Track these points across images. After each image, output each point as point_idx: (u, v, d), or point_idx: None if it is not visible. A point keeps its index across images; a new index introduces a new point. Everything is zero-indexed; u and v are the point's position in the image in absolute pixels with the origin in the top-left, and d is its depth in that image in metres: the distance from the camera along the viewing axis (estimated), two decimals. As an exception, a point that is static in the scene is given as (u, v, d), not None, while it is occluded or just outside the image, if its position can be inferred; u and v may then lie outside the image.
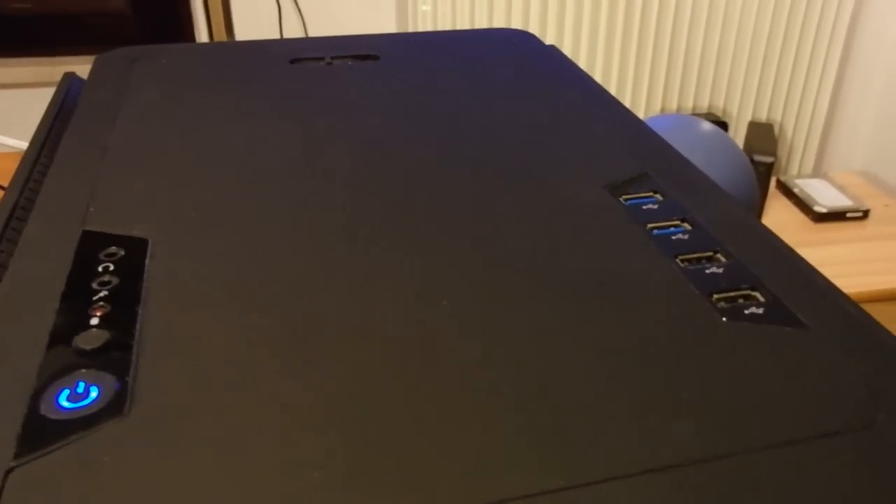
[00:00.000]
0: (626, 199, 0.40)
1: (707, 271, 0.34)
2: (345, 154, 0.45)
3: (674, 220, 0.38)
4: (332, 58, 0.59)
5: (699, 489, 0.24)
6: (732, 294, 0.33)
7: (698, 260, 0.35)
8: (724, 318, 0.31)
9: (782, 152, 1.80)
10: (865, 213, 1.54)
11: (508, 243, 0.36)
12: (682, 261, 0.35)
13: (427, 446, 0.25)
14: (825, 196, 1.58)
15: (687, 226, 0.37)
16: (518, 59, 0.60)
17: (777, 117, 1.77)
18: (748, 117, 1.76)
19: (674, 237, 0.36)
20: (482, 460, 0.25)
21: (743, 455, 0.25)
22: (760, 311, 0.32)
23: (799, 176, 1.70)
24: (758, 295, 0.33)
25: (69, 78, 0.59)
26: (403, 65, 0.58)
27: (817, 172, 1.83)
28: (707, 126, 0.92)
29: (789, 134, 1.79)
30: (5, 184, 0.81)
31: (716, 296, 0.33)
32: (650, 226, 0.37)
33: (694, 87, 1.74)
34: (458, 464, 0.25)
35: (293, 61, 0.59)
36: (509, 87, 0.55)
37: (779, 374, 0.28)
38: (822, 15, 1.67)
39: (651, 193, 0.40)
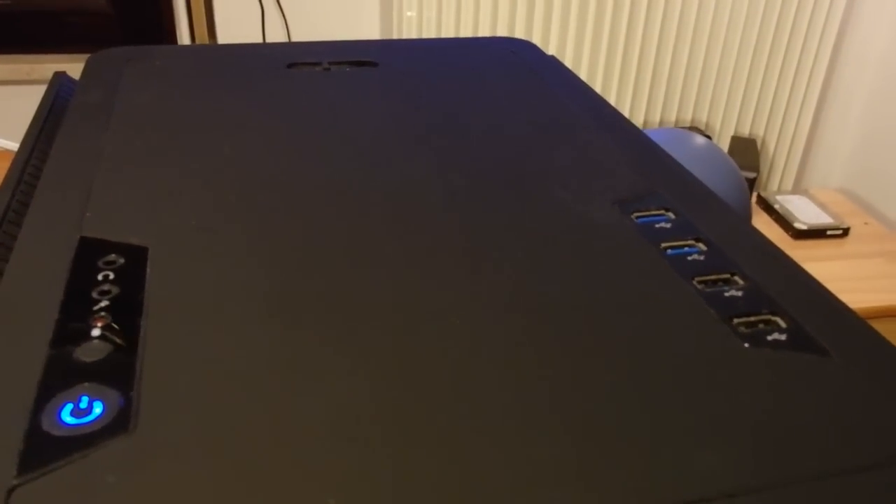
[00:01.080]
0: (637, 217, 0.39)
1: (725, 294, 0.33)
2: (344, 164, 0.44)
3: (688, 240, 0.37)
4: (330, 63, 0.58)
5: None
6: (753, 319, 0.32)
7: (715, 282, 0.34)
8: (745, 345, 0.30)
9: (763, 167, 1.81)
10: (846, 231, 1.54)
11: (519, 261, 0.35)
12: (699, 282, 0.34)
13: (444, 473, 0.24)
14: (806, 213, 1.58)
15: (702, 246, 0.37)
16: (520, 68, 0.59)
17: (760, 132, 1.77)
18: (731, 132, 1.76)
19: (689, 258, 0.36)
20: (503, 491, 0.24)
21: (773, 489, 0.24)
22: (783, 337, 0.31)
23: (779, 192, 1.70)
24: (779, 320, 0.32)
25: (59, 77, 0.57)
26: (402, 72, 0.57)
27: (797, 188, 1.84)
28: (700, 140, 0.91)
29: (771, 149, 1.79)
30: None
31: (736, 320, 0.32)
32: (664, 245, 0.37)
33: (678, 100, 1.74)
34: (479, 494, 0.24)
35: (290, 66, 0.57)
36: (511, 98, 0.54)
37: (807, 405, 0.28)
38: (807, 32, 1.68)
39: (662, 211, 0.40)
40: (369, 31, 1.72)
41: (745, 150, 1.71)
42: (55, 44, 2.03)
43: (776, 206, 1.60)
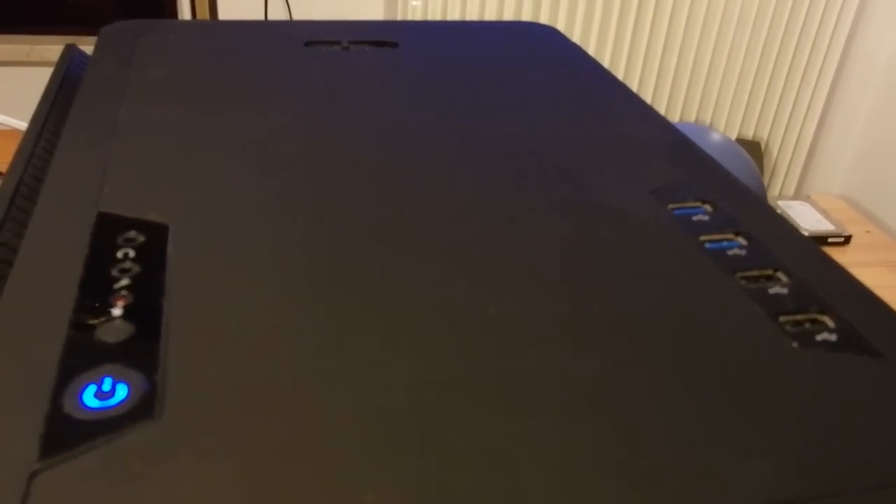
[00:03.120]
0: (673, 208, 0.38)
1: (770, 291, 0.32)
2: (367, 143, 0.42)
3: (727, 234, 0.36)
4: (350, 42, 0.56)
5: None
6: (800, 317, 0.31)
7: (757, 278, 0.33)
8: (794, 344, 0.29)
9: (766, 172, 1.80)
10: (847, 239, 1.54)
11: (556, 250, 0.34)
12: (742, 278, 0.33)
13: (489, 475, 0.23)
14: (807, 220, 1.57)
15: (742, 240, 0.35)
16: (544, 53, 0.58)
17: (764, 136, 1.77)
18: (735, 134, 1.76)
19: (729, 252, 0.34)
20: (546, 493, 0.22)
21: (830, 498, 0.23)
22: (833, 337, 0.30)
23: (781, 197, 1.70)
24: (827, 319, 0.31)
25: (71, 50, 0.56)
26: (424, 54, 0.56)
27: (799, 194, 1.84)
28: (717, 136, 0.90)
29: (774, 154, 1.79)
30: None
31: (782, 318, 0.31)
32: (702, 238, 0.35)
33: (682, 100, 1.73)
34: (521, 495, 0.22)
35: (308, 44, 0.56)
36: (537, 83, 0.52)
37: (863, 408, 0.26)
38: (816, 38, 1.67)
39: (699, 203, 0.38)
40: (372, 16, 1.71)
41: (750, 153, 1.70)
42: (55, 24, 2.01)
43: (778, 212, 1.59)
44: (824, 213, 1.61)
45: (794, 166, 1.81)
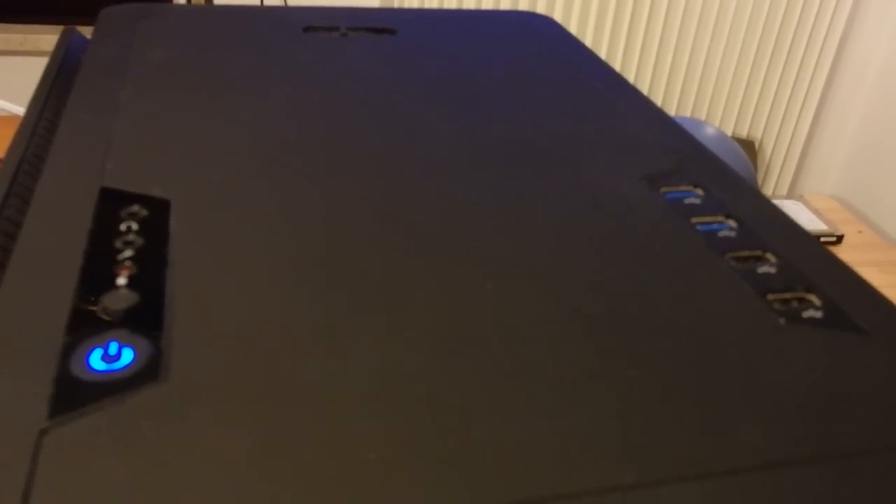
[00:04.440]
0: (665, 192, 0.38)
1: (759, 270, 0.33)
2: (366, 127, 0.43)
3: (718, 217, 0.37)
4: (348, 28, 0.57)
5: (765, 494, 0.23)
6: (787, 296, 0.31)
7: (747, 259, 0.34)
8: (781, 320, 0.30)
9: (759, 171, 1.81)
10: (839, 239, 1.55)
11: (550, 231, 0.35)
12: (732, 258, 0.34)
13: (489, 435, 0.24)
14: (800, 219, 1.59)
15: (732, 223, 0.36)
16: (541, 42, 0.58)
17: (758, 135, 1.78)
18: (729, 133, 1.77)
19: (720, 234, 0.35)
20: (550, 453, 0.23)
21: (815, 462, 0.24)
22: (819, 314, 0.30)
23: (774, 196, 1.71)
24: (814, 298, 0.31)
25: (70, 33, 0.56)
26: (421, 41, 0.57)
27: (792, 194, 1.85)
28: (711, 129, 0.91)
29: (768, 153, 1.80)
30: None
31: (770, 296, 0.31)
32: (694, 220, 0.36)
33: (677, 98, 1.74)
34: (530, 456, 0.23)
35: (306, 29, 0.57)
36: (533, 71, 0.53)
37: (847, 382, 0.27)
38: (810, 38, 1.68)
39: (691, 187, 0.39)
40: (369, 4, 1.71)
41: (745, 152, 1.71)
42: (48, 14, 2.01)
43: (771, 208, 1.60)
44: (817, 212, 1.62)
45: (787, 166, 1.83)
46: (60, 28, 2.02)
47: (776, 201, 1.64)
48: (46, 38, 1.99)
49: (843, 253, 1.53)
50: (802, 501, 0.23)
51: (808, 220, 1.57)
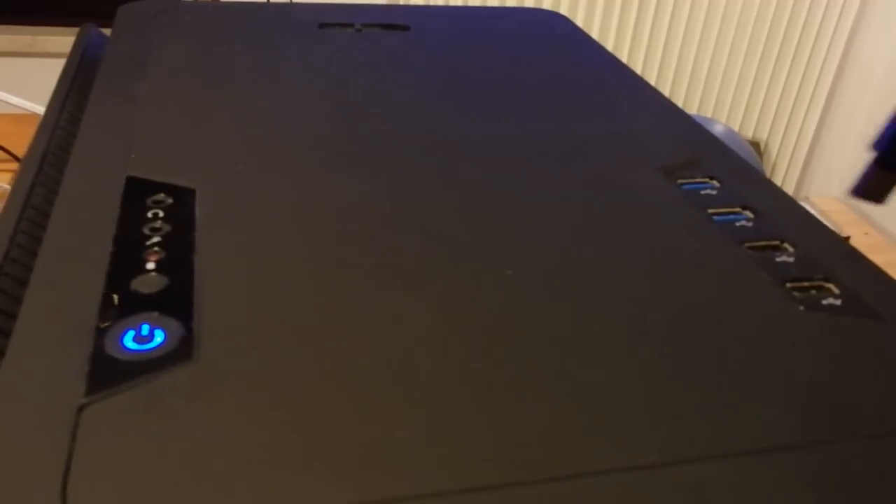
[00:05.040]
0: (681, 184, 0.39)
1: (777, 260, 0.33)
2: (382, 123, 0.43)
3: (734, 207, 0.37)
4: (362, 25, 0.57)
5: (787, 474, 0.23)
6: (806, 284, 0.32)
7: (764, 248, 0.34)
8: (801, 308, 0.30)
9: (766, 172, 1.82)
10: (845, 240, 1.54)
11: (569, 223, 0.35)
12: (749, 248, 0.34)
13: (516, 416, 0.24)
14: (806, 217, 1.58)
15: (748, 213, 0.37)
16: (553, 39, 0.59)
17: (763, 136, 1.78)
18: (735, 134, 1.77)
19: (737, 224, 0.36)
20: (577, 433, 0.24)
21: (836, 443, 0.24)
22: (838, 302, 0.31)
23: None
24: (832, 286, 0.32)
25: (88, 29, 0.57)
26: (435, 38, 0.57)
27: (798, 195, 1.85)
28: (720, 126, 0.92)
29: (774, 154, 1.80)
30: (12, 147, 0.78)
31: (789, 284, 0.32)
32: (710, 211, 0.37)
33: (682, 99, 1.75)
34: (545, 437, 0.23)
35: (322, 26, 0.57)
36: (547, 67, 0.54)
37: (865, 367, 0.28)
38: (816, 39, 1.68)
39: (707, 179, 0.39)
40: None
41: (748, 152, 1.71)
42: (57, 15, 2.01)
43: (777, 209, 1.60)
44: (823, 214, 1.62)
45: (793, 167, 1.83)
46: (69, 30, 2.03)
47: (807, 209, 1.64)
48: (54, 39, 2.00)
49: (849, 254, 1.53)
50: (823, 481, 0.23)
51: (814, 222, 1.57)
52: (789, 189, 1.82)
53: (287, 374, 0.25)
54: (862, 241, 1.56)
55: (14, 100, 0.81)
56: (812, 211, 1.41)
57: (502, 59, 0.55)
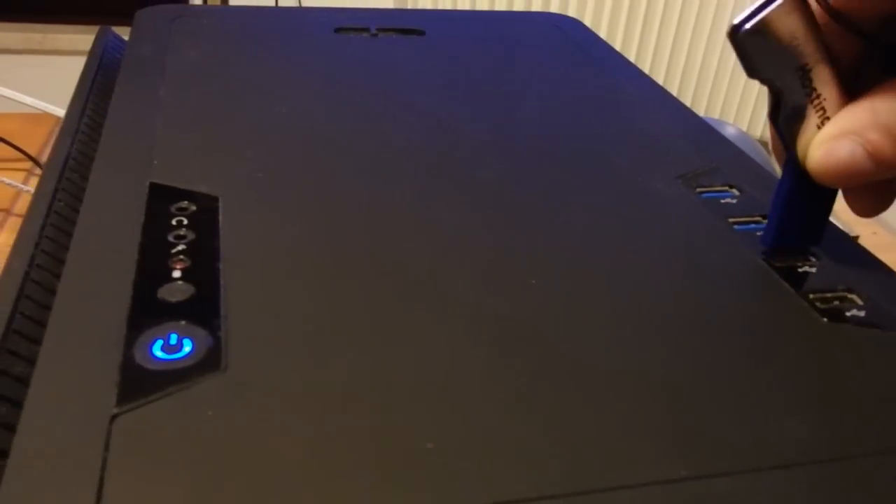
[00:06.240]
0: (700, 192, 0.39)
1: (799, 269, 0.33)
2: (403, 125, 0.44)
3: (755, 217, 0.37)
4: (378, 29, 0.58)
5: (815, 488, 0.23)
6: (829, 295, 0.32)
7: (786, 258, 0.34)
8: (824, 319, 0.30)
9: (774, 172, 1.81)
10: (854, 240, 1.54)
11: (589, 228, 0.35)
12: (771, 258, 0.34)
13: (541, 428, 0.24)
14: (814, 219, 1.58)
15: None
16: (568, 45, 0.59)
17: (771, 138, 1.78)
18: (743, 135, 1.77)
19: (758, 234, 0.36)
20: (603, 446, 0.24)
21: (864, 457, 0.25)
22: (862, 314, 0.31)
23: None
24: (856, 297, 0.32)
25: (106, 32, 0.57)
26: (450, 42, 0.57)
27: (806, 195, 1.84)
28: (732, 129, 0.92)
29: (782, 155, 1.80)
30: (24, 146, 0.79)
31: (812, 296, 0.32)
32: (730, 220, 0.37)
33: (691, 99, 1.75)
34: (575, 450, 0.24)
35: (338, 30, 0.57)
36: (563, 72, 0.54)
37: (888, 381, 0.28)
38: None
39: (727, 188, 0.39)
40: (390, 6, 1.72)
41: (757, 154, 1.71)
42: (67, 13, 2.02)
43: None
44: (832, 213, 1.62)
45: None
46: (78, 27, 2.03)
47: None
48: (65, 37, 2.01)
49: (857, 256, 1.53)
50: (850, 496, 0.23)
51: (822, 223, 1.56)
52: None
53: (316, 382, 0.25)
54: (870, 240, 1.56)
55: (24, 98, 0.81)
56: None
57: (519, 63, 0.55)
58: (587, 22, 1.67)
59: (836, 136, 0.30)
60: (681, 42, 1.69)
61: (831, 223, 0.36)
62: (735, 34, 0.30)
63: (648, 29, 1.69)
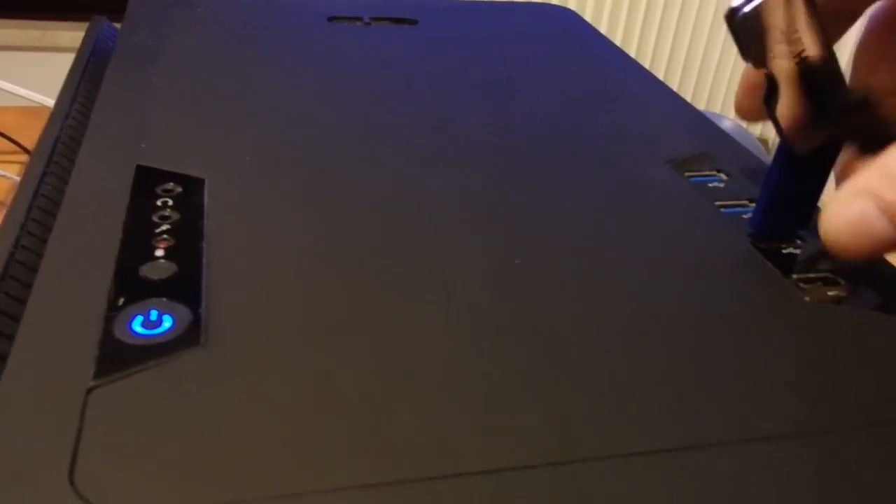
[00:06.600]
0: (689, 176, 0.39)
1: (784, 252, 0.33)
2: (394, 113, 0.44)
3: (742, 200, 0.37)
4: (371, 18, 0.58)
5: (801, 460, 0.23)
6: (812, 276, 0.32)
7: (771, 240, 0.34)
8: (807, 299, 0.31)
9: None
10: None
11: (577, 215, 0.35)
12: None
13: (531, 401, 0.24)
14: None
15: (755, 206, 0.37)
16: (563, 36, 0.59)
17: (771, 133, 1.78)
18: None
19: (745, 216, 0.36)
20: (584, 419, 0.24)
21: (844, 431, 0.25)
22: (844, 293, 0.31)
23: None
24: (839, 278, 0.32)
25: (99, 22, 0.57)
26: (444, 31, 0.57)
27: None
28: (729, 122, 0.92)
29: (782, 151, 1.80)
30: (21, 140, 0.79)
31: (795, 276, 0.32)
32: (717, 203, 0.37)
33: (691, 94, 1.75)
34: (562, 422, 0.24)
35: (331, 19, 0.57)
36: (556, 61, 0.54)
37: (871, 357, 0.28)
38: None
39: (715, 172, 0.40)
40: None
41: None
42: (67, 10, 2.02)
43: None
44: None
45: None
46: (78, 24, 2.04)
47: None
48: (64, 34, 2.01)
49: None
50: (833, 468, 0.23)
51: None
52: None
53: (296, 359, 0.25)
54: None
55: (24, 93, 0.81)
56: (820, 206, 1.41)
57: (512, 54, 0.55)
58: (588, 16, 1.67)
59: (847, 195, 0.28)
60: (682, 36, 1.69)
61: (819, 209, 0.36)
62: (732, 17, 0.30)
63: (649, 23, 1.69)
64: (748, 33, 0.30)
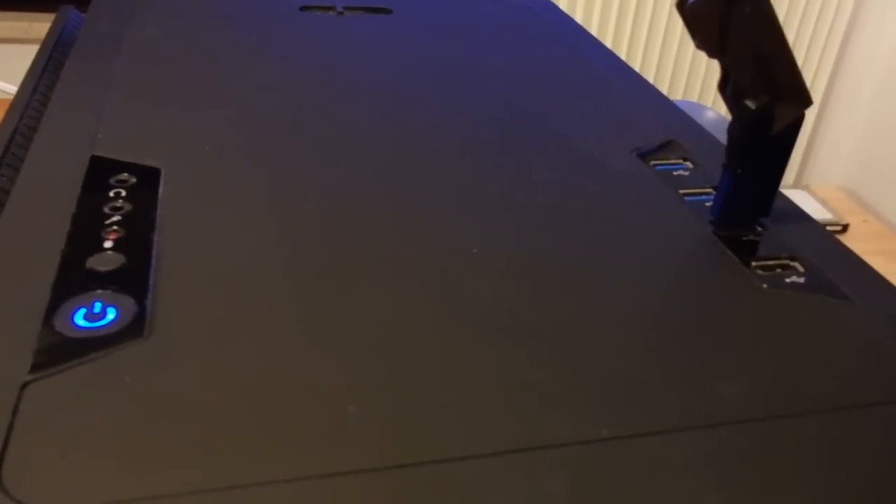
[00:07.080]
0: (655, 165, 0.39)
1: (744, 239, 0.33)
2: (360, 102, 0.43)
3: (706, 188, 0.37)
4: (344, 8, 0.57)
5: (740, 446, 0.23)
6: (771, 263, 0.32)
7: (732, 228, 0.34)
8: (764, 286, 0.30)
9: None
10: (844, 228, 1.54)
11: (540, 203, 0.35)
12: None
13: (477, 390, 0.24)
14: (805, 208, 1.57)
15: (719, 194, 0.36)
16: (536, 23, 0.59)
17: (762, 124, 1.77)
18: (733, 122, 1.76)
19: (707, 204, 0.35)
20: (525, 408, 0.24)
21: (791, 418, 0.24)
22: (802, 280, 0.31)
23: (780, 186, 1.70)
24: (797, 265, 0.32)
25: (67, 11, 0.56)
26: (417, 21, 0.57)
27: (798, 184, 1.84)
28: (712, 113, 0.91)
29: (772, 141, 1.79)
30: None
31: (754, 263, 0.32)
32: (682, 191, 0.36)
33: (682, 87, 1.74)
34: (505, 411, 0.23)
35: (303, 8, 0.57)
36: (529, 50, 0.53)
37: (825, 342, 0.27)
38: (815, 28, 1.67)
39: (680, 160, 0.39)
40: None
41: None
42: (54, 2, 2.01)
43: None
44: (822, 202, 1.61)
45: (792, 156, 1.82)
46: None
47: (781, 191, 1.63)
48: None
49: (848, 242, 1.50)
50: (774, 455, 0.23)
51: (813, 210, 1.56)
52: (789, 178, 1.82)
53: (239, 351, 0.25)
54: (861, 228, 1.56)
55: (8, 87, 0.80)
56: (811, 199, 1.40)
57: (485, 43, 0.54)
58: (578, 9, 1.66)
59: None
60: (673, 30, 1.69)
61: (782, 195, 0.36)
62: (681, 6, 0.29)
63: (640, 17, 1.68)
64: (697, 24, 0.29)
